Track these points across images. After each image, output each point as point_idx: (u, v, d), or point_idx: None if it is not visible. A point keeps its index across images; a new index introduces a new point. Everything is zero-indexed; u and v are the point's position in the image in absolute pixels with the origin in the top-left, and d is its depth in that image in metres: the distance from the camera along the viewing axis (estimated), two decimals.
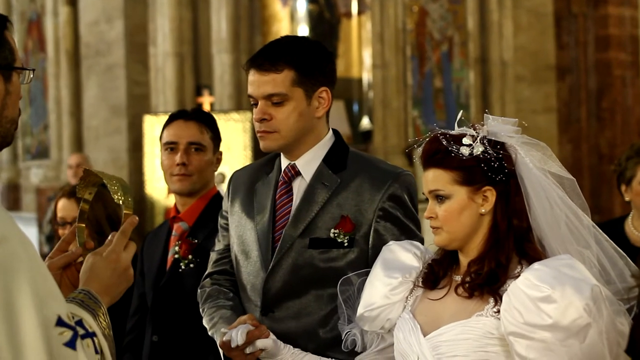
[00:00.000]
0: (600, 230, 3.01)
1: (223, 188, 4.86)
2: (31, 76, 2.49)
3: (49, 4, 13.63)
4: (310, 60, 3.35)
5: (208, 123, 4.28)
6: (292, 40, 3.45)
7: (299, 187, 3.41)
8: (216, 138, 4.31)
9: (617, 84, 11.14)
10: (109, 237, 2.62)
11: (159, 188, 11.18)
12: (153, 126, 11.10)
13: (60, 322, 2.20)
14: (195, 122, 4.24)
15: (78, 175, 10.37)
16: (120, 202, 2.65)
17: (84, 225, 2.78)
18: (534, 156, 2.93)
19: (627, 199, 4.72)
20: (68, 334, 2.22)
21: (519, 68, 10.92)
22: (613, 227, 4.66)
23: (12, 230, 2.16)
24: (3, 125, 2.42)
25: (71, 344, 2.22)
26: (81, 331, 2.33)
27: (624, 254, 3.01)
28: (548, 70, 11.09)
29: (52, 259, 2.71)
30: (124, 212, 2.64)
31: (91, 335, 2.38)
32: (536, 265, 2.80)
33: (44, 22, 13.88)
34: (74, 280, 2.67)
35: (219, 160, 4.35)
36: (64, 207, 4.86)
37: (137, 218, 2.65)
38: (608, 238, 3.01)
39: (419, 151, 2.97)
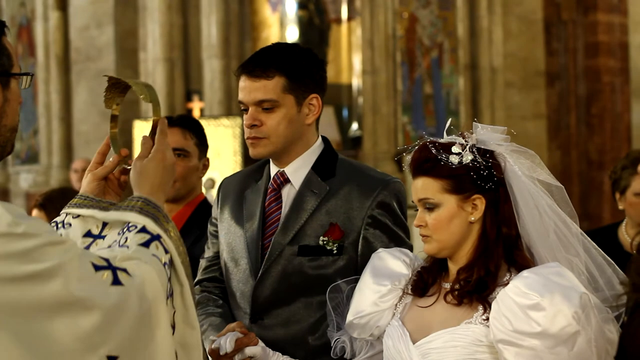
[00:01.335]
0: (589, 238, 3.02)
1: (213, 194, 4.86)
2: (29, 81, 2.49)
3: (39, 9, 13.59)
4: (301, 67, 3.35)
5: (193, 129, 4.27)
6: (283, 47, 3.46)
7: (288, 195, 3.41)
8: (202, 144, 4.30)
9: (607, 91, 11.17)
10: (142, 142, 2.71)
11: None
12: (143, 131, 11.04)
13: (96, 267, 2.31)
14: (179, 128, 4.23)
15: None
16: (148, 100, 2.74)
17: (116, 131, 2.87)
18: (522, 164, 2.94)
19: (620, 207, 4.74)
20: (109, 273, 2.33)
21: (508, 74, 10.94)
22: (607, 234, 4.69)
23: (27, 220, 2.25)
24: (3, 134, 2.42)
25: (116, 282, 2.33)
26: (147, 236, 2.49)
27: (612, 262, 3.02)
28: (538, 76, 11.12)
29: (92, 172, 2.80)
30: (153, 115, 2.75)
31: (156, 237, 2.50)
32: (525, 273, 2.80)
33: (34, 27, 13.85)
34: (116, 189, 2.81)
35: (205, 166, 4.35)
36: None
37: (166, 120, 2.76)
38: (596, 246, 3.02)
39: (408, 159, 2.97)
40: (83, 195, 2.75)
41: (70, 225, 2.69)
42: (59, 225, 2.70)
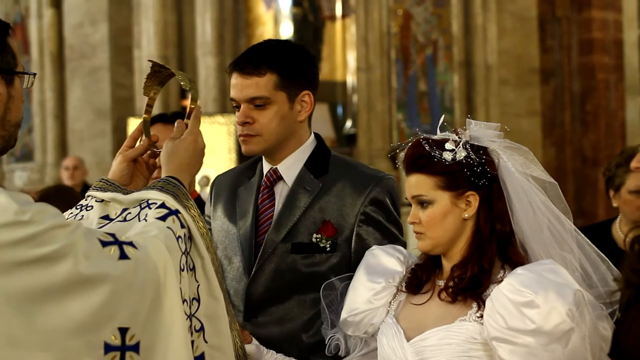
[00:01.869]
0: (583, 235, 3.01)
1: (207, 191, 4.86)
2: (33, 80, 2.62)
3: (33, 6, 13.58)
4: (293, 64, 3.34)
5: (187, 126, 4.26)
6: (275, 44, 3.45)
7: (281, 192, 3.40)
8: None
9: (601, 88, 11.17)
10: (176, 125, 2.91)
11: None
12: None
13: (103, 243, 2.45)
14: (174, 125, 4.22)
15: (74, 178, 10.42)
16: (188, 88, 2.94)
17: (149, 120, 3.06)
18: (516, 160, 2.93)
19: (615, 204, 4.72)
20: (115, 248, 2.46)
21: (503, 72, 10.94)
22: (600, 230, 4.66)
23: (33, 206, 2.38)
24: (7, 129, 2.56)
25: (124, 256, 2.46)
26: (164, 211, 2.65)
27: (606, 258, 3.02)
28: (532, 73, 11.12)
29: (123, 153, 2.99)
30: (190, 103, 2.94)
31: (174, 212, 2.66)
32: (519, 270, 2.80)
33: (28, 24, 13.82)
34: (144, 172, 3.00)
35: None
36: None
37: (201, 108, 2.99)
38: (590, 242, 3.01)
39: (401, 156, 2.97)
40: (108, 180, 2.90)
41: (92, 207, 2.83)
42: (82, 208, 2.86)
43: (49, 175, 13.16)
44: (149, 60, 3.10)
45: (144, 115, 3.08)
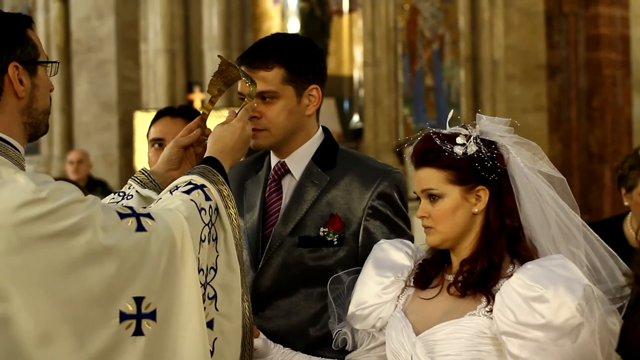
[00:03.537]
0: (591, 229, 3.01)
1: None
2: (56, 68, 2.75)
3: (40, 0, 13.58)
4: (301, 58, 3.33)
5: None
6: (282, 38, 3.44)
7: (288, 185, 3.39)
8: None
9: (608, 84, 11.15)
10: (228, 115, 3.08)
11: None
12: (144, 122, 11.06)
13: (121, 215, 2.58)
14: (182, 119, 4.23)
15: (79, 171, 10.46)
16: (248, 84, 3.12)
17: (207, 115, 3.24)
18: (524, 156, 2.93)
19: (626, 203, 4.71)
20: (133, 220, 2.59)
21: (509, 67, 10.92)
22: (611, 227, 4.66)
23: (50, 184, 2.50)
24: (35, 117, 2.69)
25: (140, 228, 2.59)
26: (190, 186, 2.79)
27: (615, 253, 3.02)
28: (539, 69, 11.10)
29: (176, 139, 3.17)
30: (246, 98, 3.13)
31: (200, 187, 2.81)
32: (529, 265, 2.80)
33: (35, 17, 13.80)
34: (192, 161, 3.17)
35: None
36: None
37: (255, 104, 3.16)
38: (598, 237, 3.01)
39: (409, 150, 2.96)
40: (150, 175, 3.07)
41: (132, 196, 2.99)
42: (123, 196, 3.01)
43: (55, 169, 13.17)
44: (218, 56, 3.24)
45: (203, 111, 3.25)
